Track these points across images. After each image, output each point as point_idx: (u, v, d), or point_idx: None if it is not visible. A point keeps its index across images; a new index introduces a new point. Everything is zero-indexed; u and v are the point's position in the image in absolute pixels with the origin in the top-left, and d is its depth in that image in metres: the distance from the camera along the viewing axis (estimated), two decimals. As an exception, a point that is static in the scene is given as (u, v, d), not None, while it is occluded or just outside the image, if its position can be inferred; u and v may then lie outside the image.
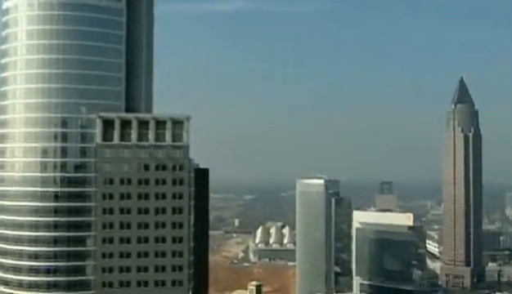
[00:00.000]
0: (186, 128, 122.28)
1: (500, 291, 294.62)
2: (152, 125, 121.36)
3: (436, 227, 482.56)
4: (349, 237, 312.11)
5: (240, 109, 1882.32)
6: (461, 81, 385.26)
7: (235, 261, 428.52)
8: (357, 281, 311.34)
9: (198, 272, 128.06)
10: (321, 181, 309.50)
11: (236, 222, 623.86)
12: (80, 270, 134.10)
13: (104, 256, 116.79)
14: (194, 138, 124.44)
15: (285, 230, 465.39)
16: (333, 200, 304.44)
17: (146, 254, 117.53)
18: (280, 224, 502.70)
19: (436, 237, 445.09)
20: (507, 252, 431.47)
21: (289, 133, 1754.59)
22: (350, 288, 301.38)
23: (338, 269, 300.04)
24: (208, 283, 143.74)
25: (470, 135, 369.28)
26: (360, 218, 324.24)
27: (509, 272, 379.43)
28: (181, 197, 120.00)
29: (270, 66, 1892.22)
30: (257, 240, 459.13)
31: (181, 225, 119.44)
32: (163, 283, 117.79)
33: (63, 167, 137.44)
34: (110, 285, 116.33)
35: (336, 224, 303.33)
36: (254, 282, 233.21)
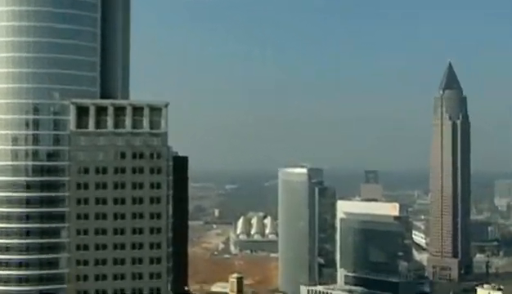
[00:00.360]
0: (164, 115, 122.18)
1: (488, 282, 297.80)
2: (129, 111, 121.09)
3: (423, 217, 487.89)
4: (333, 227, 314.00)
5: (221, 95, 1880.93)
6: (449, 67, 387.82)
7: (216, 253, 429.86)
8: (341, 273, 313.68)
9: (177, 264, 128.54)
10: (304, 170, 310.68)
11: (217, 212, 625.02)
12: (53, 263, 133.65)
13: (78, 248, 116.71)
14: (172, 125, 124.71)
15: (267, 221, 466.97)
16: (316, 189, 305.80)
17: (123, 246, 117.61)
18: (261, 214, 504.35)
19: (422, 227, 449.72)
20: (495, 243, 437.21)
21: (272, 121, 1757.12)
22: (334, 280, 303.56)
23: (321, 260, 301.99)
24: (187, 276, 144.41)
25: (458, 122, 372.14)
26: (344, 208, 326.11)
27: (498, 263, 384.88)
28: (159, 186, 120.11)
29: (252, 51, 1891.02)
30: (238, 231, 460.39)
31: (159, 216, 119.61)
32: (141, 276, 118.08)
33: (35, 155, 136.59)
34: (85, 278, 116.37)
35: (320, 215, 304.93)
36: (235, 275, 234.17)
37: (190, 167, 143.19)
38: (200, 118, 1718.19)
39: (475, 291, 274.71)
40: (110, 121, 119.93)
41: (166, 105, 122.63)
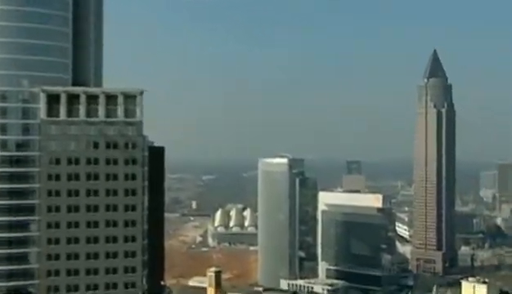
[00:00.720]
0: (139, 103, 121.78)
1: (473, 276, 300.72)
2: (102, 100, 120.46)
3: (406, 209, 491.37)
4: (315, 219, 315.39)
5: (198, 83, 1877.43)
6: (434, 54, 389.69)
7: (193, 246, 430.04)
8: (322, 266, 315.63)
9: (152, 258, 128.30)
10: (285, 160, 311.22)
11: (194, 204, 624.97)
12: (23, 258, 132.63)
13: (49, 242, 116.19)
14: (148, 114, 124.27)
15: (246, 213, 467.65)
16: (297, 180, 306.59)
17: (96, 239, 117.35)
18: (240, 206, 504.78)
19: (406, 219, 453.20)
20: (481, 235, 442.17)
21: (251, 110, 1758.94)
22: (315, 274, 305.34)
23: (302, 253, 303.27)
24: (163, 270, 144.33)
25: (443, 110, 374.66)
26: (326, 199, 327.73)
27: (483, 256, 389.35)
28: (134, 177, 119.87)
29: (228, 36, 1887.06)
30: (216, 223, 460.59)
31: (134, 208, 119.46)
32: (115, 271, 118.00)
33: (3, 145, 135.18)
34: (56, 273, 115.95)
35: (301, 206, 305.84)
36: (213, 269, 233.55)
37: (166, 158, 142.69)
38: (177, 107, 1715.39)
39: (460, 284, 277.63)
40: (82, 109, 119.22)
41: (141, 93, 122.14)
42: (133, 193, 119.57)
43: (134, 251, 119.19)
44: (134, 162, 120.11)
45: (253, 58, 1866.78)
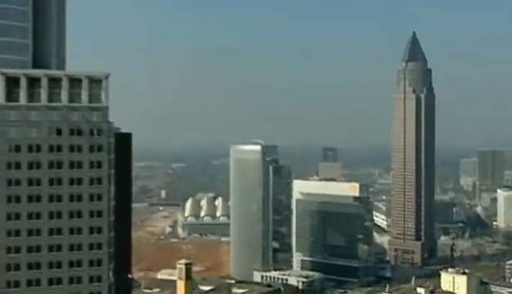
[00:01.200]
0: (104, 87, 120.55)
1: (452, 266, 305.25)
2: (65, 83, 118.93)
3: (384, 198, 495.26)
4: (289, 209, 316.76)
5: (166, 66, 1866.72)
6: (413, 36, 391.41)
7: (162, 237, 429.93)
8: (297, 257, 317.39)
9: (119, 250, 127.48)
10: (258, 147, 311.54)
11: (163, 193, 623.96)
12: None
13: (9, 234, 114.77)
14: (114, 99, 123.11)
15: (218, 202, 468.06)
16: (271, 168, 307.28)
17: (59, 231, 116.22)
18: (212, 195, 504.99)
19: (384, 208, 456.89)
20: (460, 225, 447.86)
21: (222, 93, 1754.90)
22: (290, 265, 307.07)
23: (276, 244, 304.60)
24: (130, 263, 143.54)
25: (422, 96, 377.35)
26: (301, 188, 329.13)
27: (463, 246, 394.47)
28: (99, 165, 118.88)
29: (203, 22, 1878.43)
30: (186, 213, 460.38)
31: (99, 198, 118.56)
32: (80, 264, 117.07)
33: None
34: (17, 267, 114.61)
35: (274, 195, 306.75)
36: (183, 261, 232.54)
37: (133, 145, 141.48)
38: (145, 92, 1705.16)
39: (439, 275, 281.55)
40: (43, 94, 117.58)
41: (107, 77, 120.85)
42: (99, 181, 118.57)
43: (100, 243, 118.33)
44: (99, 149, 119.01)
45: (228, 42, 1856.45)
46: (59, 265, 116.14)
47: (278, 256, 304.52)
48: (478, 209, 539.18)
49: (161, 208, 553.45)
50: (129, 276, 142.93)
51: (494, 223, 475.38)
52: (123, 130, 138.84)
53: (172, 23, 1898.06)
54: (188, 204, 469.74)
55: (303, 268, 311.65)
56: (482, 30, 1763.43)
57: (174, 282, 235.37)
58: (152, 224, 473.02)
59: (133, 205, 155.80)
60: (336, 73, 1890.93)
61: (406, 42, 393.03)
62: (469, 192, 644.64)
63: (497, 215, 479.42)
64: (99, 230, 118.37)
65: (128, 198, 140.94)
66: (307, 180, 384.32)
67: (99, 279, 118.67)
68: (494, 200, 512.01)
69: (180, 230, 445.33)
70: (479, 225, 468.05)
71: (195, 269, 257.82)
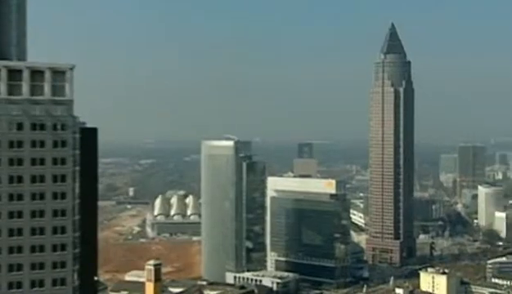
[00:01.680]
0: (69, 80, 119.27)
1: (432, 266, 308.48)
2: (26, 75, 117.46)
3: (361, 195, 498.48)
4: (263, 207, 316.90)
5: (134, 59, 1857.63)
6: (392, 28, 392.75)
7: (130, 237, 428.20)
8: (271, 257, 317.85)
9: (85, 251, 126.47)
10: (231, 143, 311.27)
11: (131, 191, 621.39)
12: None
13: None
14: (79, 92, 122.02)
15: (189, 200, 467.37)
16: (244, 164, 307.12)
17: (20, 231, 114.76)
18: (182, 193, 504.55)
19: (361, 206, 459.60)
20: (440, 223, 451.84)
21: (194, 88, 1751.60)
22: (264, 266, 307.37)
23: (250, 244, 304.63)
24: (97, 264, 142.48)
25: (401, 89, 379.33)
26: (275, 185, 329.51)
27: (442, 244, 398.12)
28: (63, 162, 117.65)
29: (172, 9, 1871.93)
30: (155, 212, 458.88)
31: (63, 196, 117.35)
32: (42, 266, 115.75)
33: None
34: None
35: (248, 193, 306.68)
36: (152, 261, 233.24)
37: (100, 140, 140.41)
38: (112, 85, 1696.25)
39: (418, 275, 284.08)
40: (3, 86, 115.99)
41: (71, 68, 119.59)
42: (63, 179, 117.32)
43: (64, 244, 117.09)
44: (63, 144, 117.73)
45: (201, 36, 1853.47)
46: (19, 267, 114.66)
47: (252, 256, 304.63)
48: (459, 206, 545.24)
49: (129, 207, 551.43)
50: (95, 278, 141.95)
51: (475, 221, 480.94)
52: (89, 124, 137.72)
53: (142, 12, 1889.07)
54: (157, 202, 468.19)
55: (277, 268, 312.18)
56: (465, 22, 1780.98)
57: (143, 284, 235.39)
58: (119, 224, 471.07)
59: (100, 203, 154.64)
60: (313, 66, 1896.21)
61: (384, 33, 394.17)
62: (449, 189, 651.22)
63: (478, 212, 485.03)
64: (63, 230, 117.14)
65: (93, 196, 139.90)
66: (281, 176, 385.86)
67: (63, 282, 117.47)
68: (475, 197, 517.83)
69: (149, 230, 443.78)
70: (459, 223, 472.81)
71: (164, 270, 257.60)
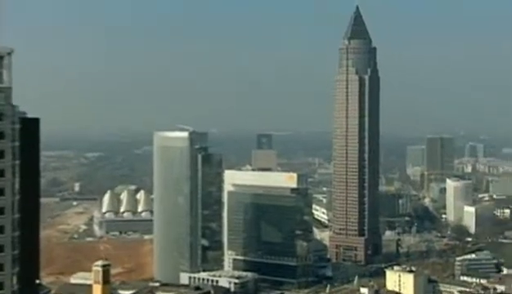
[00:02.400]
0: (7, 66, 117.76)
1: (398, 264, 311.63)
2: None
3: (324, 189, 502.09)
4: (220, 202, 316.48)
5: (78, 43, 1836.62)
6: (356, 11, 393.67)
7: (76, 236, 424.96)
8: (229, 256, 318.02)
9: (25, 252, 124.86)
10: (185, 134, 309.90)
11: (77, 186, 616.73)
12: None
13: None
14: (19, 79, 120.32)
15: (140, 196, 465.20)
16: (199, 157, 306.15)
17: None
18: (133, 188, 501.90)
19: (324, 201, 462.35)
20: (407, 218, 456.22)
21: (144, 74, 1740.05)
22: (221, 265, 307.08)
23: (205, 242, 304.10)
24: (39, 266, 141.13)
25: (366, 77, 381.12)
26: (233, 179, 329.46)
27: (409, 241, 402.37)
28: (1, 155, 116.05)
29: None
30: (103, 208, 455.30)
31: (1, 192, 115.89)
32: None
33: None
34: None
35: (203, 187, 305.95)
36: (100, 262, 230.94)
37: (42, 132, 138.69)
38: (56, 72, 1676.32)
39: (384, 273, 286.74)
40: None
41: (9, 53, 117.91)
42: (1, 174, 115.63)
43: (2, 245, 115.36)
44: (1, 136, 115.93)
45: (149, 21, 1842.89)
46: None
47: (208, 255, 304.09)
48: (426, 201, 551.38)
49: (75, 203, 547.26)
50: (37, 282, 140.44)
51: (443, 216, 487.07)
52: (30, 114, 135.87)
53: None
54: (106, 198, 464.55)
55: (235, 268, 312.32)
56: (436, 7, 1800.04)
57: (90, 286, 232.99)
58: (64, 222, 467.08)
59: (42, 200, 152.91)
60: (272, 53, 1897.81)
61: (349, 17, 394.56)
62: (416, 182, 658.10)
63: (446, 207, 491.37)
64: (1, 230, 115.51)
65: (35, 192, 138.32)
66: (239, 170, 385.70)
67: (0, 287, 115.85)
68: (443, 191, 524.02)
69: (96, 228, 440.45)
70: (427, 219, 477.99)
71: (113, 271, 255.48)
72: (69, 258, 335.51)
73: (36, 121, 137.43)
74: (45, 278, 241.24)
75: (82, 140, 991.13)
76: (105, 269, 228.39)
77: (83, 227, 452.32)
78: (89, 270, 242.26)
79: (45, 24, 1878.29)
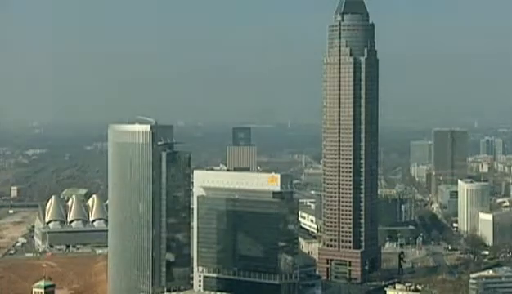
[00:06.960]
0: None
1: (400, 281, 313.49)
2: None
3: (313, 193, 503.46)
4: (188, 209, 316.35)
5: (33, 25, 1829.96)
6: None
7: (12, 252, 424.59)
8: (199, 273, 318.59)
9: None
10: (146, 127, 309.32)
11: (14, 191, 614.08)
12: None
13: None
14: None
15: (92, 201, 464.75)
16: (164, 155, 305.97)
17: None
18: (83, 192, 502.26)
19: (313, 207, 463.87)
20: (411, 227, 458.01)
21: (105, 61, 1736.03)
22: (189, 284, 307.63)
23: (171, 256, 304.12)
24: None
25: (362, 59, 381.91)
26: (204, 181, 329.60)
27: (414, 254, 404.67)
28: None
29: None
30: (47, 218, 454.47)
31: None
32: None
33: None
34: None
35: (168, 191, 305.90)
36: (42, 283, 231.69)
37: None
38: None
39: (384, 292, 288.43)
40: None
41: None
42: None
43: None
44: None
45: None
46: None
47: (174, 272, 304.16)
48: (434, 207, 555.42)
49: (11, 212, 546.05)
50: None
51: (454, 225, 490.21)
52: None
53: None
54: (50, 205, 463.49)
55: (206, 287, 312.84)
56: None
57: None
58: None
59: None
60: (251, 32, 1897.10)
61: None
62: (422, 184, 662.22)
63: (458, 214, 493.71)
64: None
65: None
66: (211, 170, 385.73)
67: None
68: (454, 195, 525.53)
69: (38, 241, 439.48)
70: (435, 228, 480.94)
71: (59, 293, 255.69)
72: (3, 278, 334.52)
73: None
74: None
75: (21, 135, 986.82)
76: (49, 291, 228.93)
77: (22, 240, 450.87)
78: (29, 292, 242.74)
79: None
